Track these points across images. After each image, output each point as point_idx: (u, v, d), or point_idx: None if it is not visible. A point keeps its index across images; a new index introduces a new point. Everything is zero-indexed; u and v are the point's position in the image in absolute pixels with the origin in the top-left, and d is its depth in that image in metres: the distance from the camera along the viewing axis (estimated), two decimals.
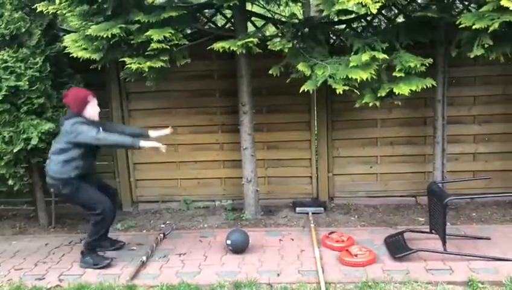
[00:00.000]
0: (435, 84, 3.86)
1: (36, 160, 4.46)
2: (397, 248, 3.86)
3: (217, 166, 5.28)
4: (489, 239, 4.02)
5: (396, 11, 4.72)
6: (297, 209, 4.95)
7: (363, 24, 4.76)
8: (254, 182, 4.80)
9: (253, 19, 4.90)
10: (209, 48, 3.91)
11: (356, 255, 3.70)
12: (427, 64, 3.74)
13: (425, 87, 3.81)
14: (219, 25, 5.11)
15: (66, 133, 3.69)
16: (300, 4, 4.65)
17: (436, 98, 4.53)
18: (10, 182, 4.41)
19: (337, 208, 5.12)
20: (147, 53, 3.81)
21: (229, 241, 4.00)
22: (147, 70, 3.84)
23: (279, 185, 5.25)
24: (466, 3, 4.42)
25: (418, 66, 3.70)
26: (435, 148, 4.63)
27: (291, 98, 4.93)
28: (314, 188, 5.22)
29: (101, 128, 3.76)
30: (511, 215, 4.64)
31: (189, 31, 4.73)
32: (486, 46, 3.44)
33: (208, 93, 5.10)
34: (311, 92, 3.86)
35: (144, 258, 3.95)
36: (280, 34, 4.02)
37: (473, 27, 3.34)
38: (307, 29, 4.46)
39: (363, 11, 3.25)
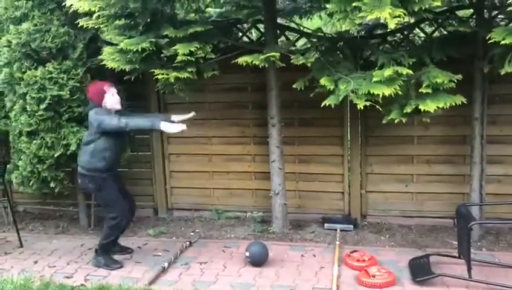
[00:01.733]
0: (465, 102, 3.67)
1: (75, 165, 4.73)
2: (420, 271, 3.69)
3: (248, 177, 5.33)
4: None
5: (435, 25, 4.56)
6: (326, 225, 4.87)
7: (395, 38, 4.62)
8: (282, 195, 4.78)
9: (289, 32, 4.95)
10: (233, 62, 3.98)
11: (374, 276, 3.58)
12: (455, 81, 3.56)
13: (454, 104, 3.63)
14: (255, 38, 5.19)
15: (90, 124, 3.92)
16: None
17: (473, 116, 4.29)
18: (52, 184, 4.71)
19: (368, 226, 4.97)
20: (174, 65, 3.95)
21: (247, 253, 4.02)
22: (172, 80, 3.98)
23: (310, 199, 5.20)
24: None
25: (445, 82, 3.53)
26: (472, 169, 4.37)
27: (323, 112, 4.79)
28: (346, 204, 5.11)
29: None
30: None
31: (222, 45, 4.85)
32: None
33: (241, 106, 5.19)
34: (332, 106, 3.80)
35: (166, 264, 4.07)
36: (306, 48, 4.00)
37: (502, 42, 3.16)
38: (340, 43, 4.45)
39: (392, 26, 3.16)
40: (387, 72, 3.50)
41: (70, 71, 4.49)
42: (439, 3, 3.21)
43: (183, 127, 3.71)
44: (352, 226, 4.81)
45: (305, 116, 5.01)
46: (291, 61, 3.89)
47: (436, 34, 4.61)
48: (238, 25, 5.00)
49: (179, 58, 3.84)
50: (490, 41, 3.28)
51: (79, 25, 4.27)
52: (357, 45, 4.29)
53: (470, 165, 4.44)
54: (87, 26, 4.22)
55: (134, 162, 5.50)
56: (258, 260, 3.99)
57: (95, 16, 4.06)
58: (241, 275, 3.89)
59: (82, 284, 3.83)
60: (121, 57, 4.15)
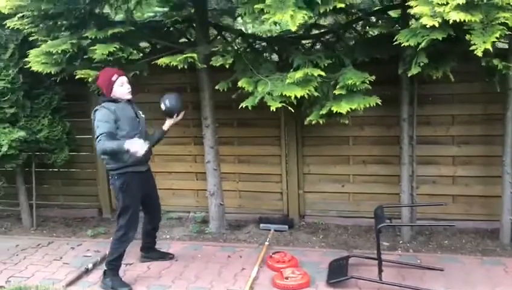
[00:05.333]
0: (379, 103, 3.64)
1: (10, 165, 4.74)
2: (336, 273, 3.69)
3: (190, 177, 5.33)
4: (442, 270, 3.73)
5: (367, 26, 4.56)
6: (261, 225, 4.88)
7: (328, 38, 4.60)
8: (217, 195, 4.78)
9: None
10: (153, 62, 3.97)
11: (287, 278, 3.58)
12: (367, 82, 3.55)
13: (368, 106, 3.62)
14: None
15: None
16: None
17: (401, 117, 4.28)
18: None
19: (305, 226, 4.97)
20: (93, 65, 3.95)
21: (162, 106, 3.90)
22: (91, 80, 3.97)
23: (251, 199, 5.20)
24: None
25: (358, 83, 3.52)
26: (401, 170, 4.37)
27: (261, 112, 4.77)
28: (284, 204, 5.11)
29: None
30: (486, 245, 4.26)
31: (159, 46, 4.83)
32: (421, 64, 3.23)
33: None
34: (250, 107, 3.77)
35: (90, 265, 4.08)
36: (225, 49, 3.98)
37: (404, 44, 3.15)
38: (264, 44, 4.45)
39: (293, 28, 3.14)
40: (298, 74, 3.49)
41: (1, 72, 4.49)
42: (342, 5, 3.20)
43: (145, 147, 3.39)
44: (287, 226, 4.81)
45: (244, 116, 4.94)
46: (211, 63, 3.88)
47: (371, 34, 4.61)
48: (177, 25, 4.98)
49: (96, 56, 3.81)
50: (395, 43, 3.26)
51: (6, 26, 4.27)
52: (283, 46, 4.27)
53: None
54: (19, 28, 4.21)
55: (77, 162, 5.52)
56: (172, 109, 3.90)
57: (17, 16, 4.06)
58: (161, 277, 3.89)
59: (1, 286, 3.83)
60: (47, 59, 4.14)
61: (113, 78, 3.60)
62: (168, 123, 4.02)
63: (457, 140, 4.59)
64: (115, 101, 3.63)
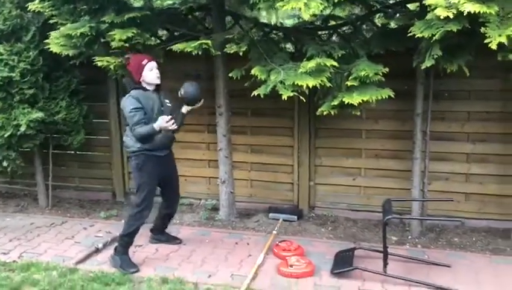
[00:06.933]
0: (393, 96, 3.62)
1: (27, 145, 4.86)
2: (341, 263, 3.69)
3: (203, 165, 5.38)
4: (449, 267, 3.70)
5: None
6: (271, 214, 4.90)
7: (344, 30, 4.58)
8: (228, 183, 4.82)
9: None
10: (169, 49, 4.01)
11: (292, 266, 3.61)
12: (380, 74, 3.53)
13: (381, 98, 3.59)
14: None
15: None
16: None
17: (415, 112, 4.23)
18: (4, 163, 4.84)
19: (315, 218, 4.97)
20: (110, 51, 4.01)
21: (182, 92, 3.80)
22: (112, 68, 4.03)
23: (261, 189, 5.22)
24: None
25: (371, 75, 3.50)
26: (413, 165, 4.33)
27: (275, 102, 4.77)
28: (295, 195, 5.11)
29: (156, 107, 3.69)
30: (497, 245, 4.20)
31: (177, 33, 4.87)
32: (435, 56, 3.19)
33: None
34: (262, 95, 3.77)
35: (100, 245, 4.17)
36: (239, 37, 3.99)
37: (417, 35, 3.12)
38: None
39: (306, 17, 3.15)
40: (311, 63, 3.49)
41: (21, 53, 4.59)
42: None
43: (167, 119, 3.52)
44: (296, 217, 4.82)
45: (258, 106, 4.97)
46: (225, 50, 3.90)
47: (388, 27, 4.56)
48: (194, 13, 5.01)
49: (114, 43, 3.88)
50: (409, 34, 3.23)
51: (28, 9, 4.35)
52: (299, 37, 4.26)
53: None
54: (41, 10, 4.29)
55: (93, 145, 5.62)
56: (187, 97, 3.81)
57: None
58: (168, 259, 3.96)
59: (14, 261, 3.95)
60: (67, 42, 4.21)
61: (143, 62, 3.68)
62: (185, 108, 3.92)
63: (472, 137, 4.52)
64: (143, 88, 3.72)
